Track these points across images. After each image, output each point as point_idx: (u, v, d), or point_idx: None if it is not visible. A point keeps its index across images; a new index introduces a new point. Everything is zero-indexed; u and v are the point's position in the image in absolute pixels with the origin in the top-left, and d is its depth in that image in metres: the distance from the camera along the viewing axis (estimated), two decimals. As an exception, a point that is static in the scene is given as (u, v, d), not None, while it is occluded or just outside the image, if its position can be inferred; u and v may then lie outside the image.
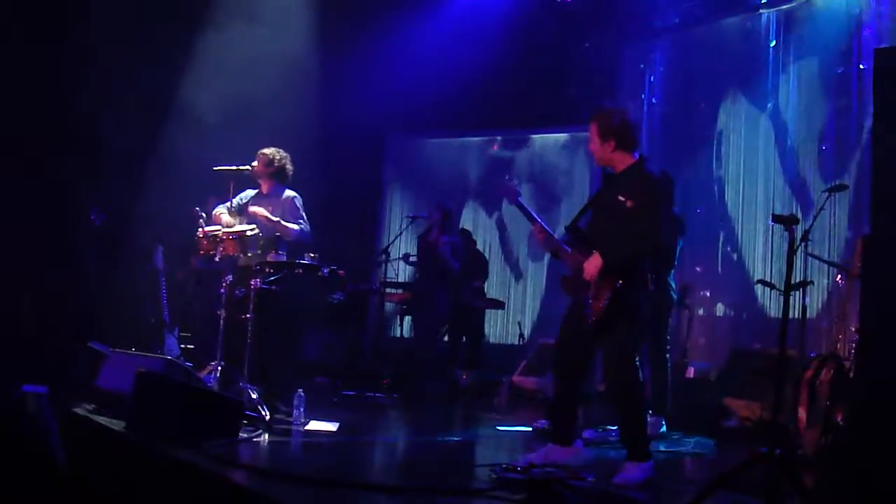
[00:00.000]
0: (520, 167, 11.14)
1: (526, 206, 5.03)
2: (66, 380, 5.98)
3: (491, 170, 11.22)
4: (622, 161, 4.71)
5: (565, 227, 4.90)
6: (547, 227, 4.91)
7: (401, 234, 10.66)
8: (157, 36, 8.45)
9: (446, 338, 9.18)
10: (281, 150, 6.71)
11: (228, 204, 6.50)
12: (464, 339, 9.36)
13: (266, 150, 6.69)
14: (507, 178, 5.32)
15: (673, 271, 6.56)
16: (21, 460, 4.40)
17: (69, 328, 7.26)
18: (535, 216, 4.96)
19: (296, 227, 6.45)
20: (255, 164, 6.66)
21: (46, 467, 4.45)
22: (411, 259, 9.65)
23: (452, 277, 8.69)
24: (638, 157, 4.74)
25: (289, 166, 6.71)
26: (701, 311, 8.64)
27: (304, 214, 6.58)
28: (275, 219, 6.36)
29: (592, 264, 4.56)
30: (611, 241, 4.58)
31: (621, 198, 4.59)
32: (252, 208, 6.46)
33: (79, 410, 5.54)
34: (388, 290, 9.72)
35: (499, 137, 11.54)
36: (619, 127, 4.68)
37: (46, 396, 4.91)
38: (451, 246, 8.73)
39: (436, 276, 8.73)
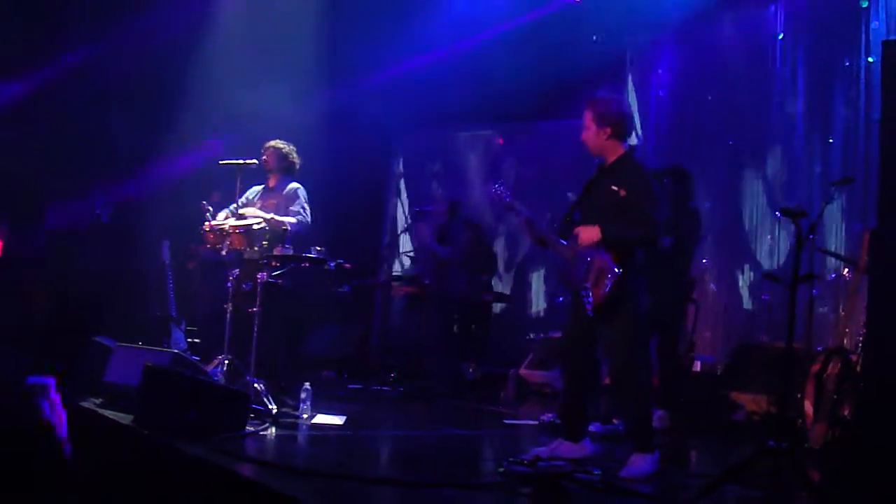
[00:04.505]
0: (526, 159, 11.10)
1: (516, 205, 4.99)
2: (74, 374, 6.00)
3: (498, 162, 11.18)
4: (614, 151, 4.70)
5: (561, 222, 4.88)
6: (534, 218, 4.85)
7: (407, 228, 10.65)
8: (163, 29, 8.45)
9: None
10: (288, 143, 6.69)
11: (233, 206, 6.44)
12: (471, 330, 9.34)
13: (277, 144, 6.64)
14: (495, 186, 5.20)
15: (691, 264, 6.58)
16: (28, 453, 4.41)
17: (76, 323, 7.27)
18: (522, 210, 4.91)
19: (291, 220, 6.38)
20: (264, 157, 6.62)
21: (53, 460, 4.46)
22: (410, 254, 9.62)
23: (447, 264, 8.63)
24: (627, 147, 4.74)
25: (297, 159, 6.69)
26: (707, 305, 8.61)
27: (305, 206, 6.52)
28: (268, 216, 6.30)
29: (590, 231, 4.50)
30: (609, 222, 4.54)
31: (614, 187, 4.58)
32: (243, 210, 6.41)
33: (86, 404, 5.57)
34: (394, 283, 9.71)
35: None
36: (616, 115, 4.66)
37: (55, 388, 4.92)
38: (439, 232, 8.72)
39: (437, 268, 8.73)
